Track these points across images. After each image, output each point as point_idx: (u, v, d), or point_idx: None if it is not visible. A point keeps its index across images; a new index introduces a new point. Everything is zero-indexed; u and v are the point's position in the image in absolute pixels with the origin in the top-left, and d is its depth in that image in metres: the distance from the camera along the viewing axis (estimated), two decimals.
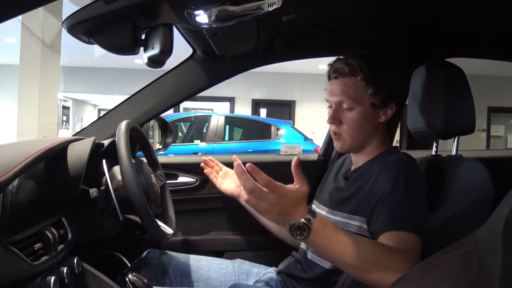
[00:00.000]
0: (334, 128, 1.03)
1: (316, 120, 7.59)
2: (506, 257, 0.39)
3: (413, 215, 0.87)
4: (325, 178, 1.22)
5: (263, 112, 8.16)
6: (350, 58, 1.00)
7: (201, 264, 1.23)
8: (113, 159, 1.03)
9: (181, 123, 6.51)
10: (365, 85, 0.98)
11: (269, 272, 1.20)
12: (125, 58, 6.41)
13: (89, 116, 11.68)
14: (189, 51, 1.39)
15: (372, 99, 0.99)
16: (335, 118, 1.02)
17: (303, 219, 0.71)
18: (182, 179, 1.61)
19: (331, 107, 1.03)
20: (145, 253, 1.25)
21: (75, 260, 0.92)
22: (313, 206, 1.16)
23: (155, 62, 0.85)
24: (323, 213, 1.07)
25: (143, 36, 0.87)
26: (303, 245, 1.13)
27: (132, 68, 8.44)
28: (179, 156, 2.17)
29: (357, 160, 1.07)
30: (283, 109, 8.89)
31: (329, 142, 1.73)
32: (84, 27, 0.82)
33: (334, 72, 1.01)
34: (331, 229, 0.75)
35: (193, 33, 1.19)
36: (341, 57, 1.04)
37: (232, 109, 8.88)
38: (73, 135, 1.28)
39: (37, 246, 0.81)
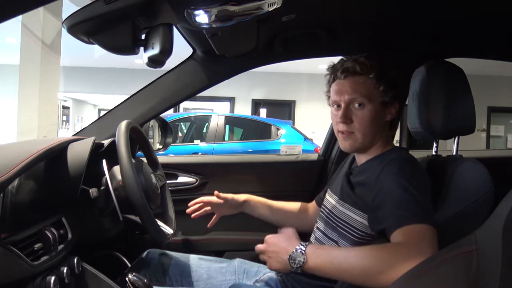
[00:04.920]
0: (344, 127, 1.02)
1: (316, 120, 7.58)
2: (506, 257, 0.39)
3: (422, 207, 0.87)
4: (340, 167, 1.23)
5: (263, 112, 8.16)
6: (359, 57, 1.02)
7: (201, 264, 1.23)
8: (113, 159, 1.03)
9: (181, 123, 6.51)
10: (376, 83, 0.99)
11: (269, 272, 1.20)
12: (125, 58, 6.43)
13: (89, 116, 11.68)
14: (189, 51, 1.39)
15: (382, 97, 1.00)
16: (347, 117, 1.01)
17: (296, 246, 0.87)
18: (182, 179, 1.61)
19: (338, 106, 1.03)
20: (145, 253, 1.25)
21: (75, 260, 0.92)
22: (326, 193, 1.18)
23: (155, 62, 0.85)
24: (333, 201, 1.09)
25: (143, 36, 0.87)
26: None
27: (132, 68, 8.43)
28: (179, 156, 2.17)
29: (360, 159, 1.08)
30: (283, 109, 8.88)
31: (329, 142, 1.73)
32: (84, 27, 0.82)
33: (343, 72, 1.02)
34: (324, 249, 0.89)
35: (193, 33, 1.19)
36: (344, 58, 1.05)
37: (232, 109, 8.87)
38: (73, 135, 1.28)
39: (37, 246, 0.81)
